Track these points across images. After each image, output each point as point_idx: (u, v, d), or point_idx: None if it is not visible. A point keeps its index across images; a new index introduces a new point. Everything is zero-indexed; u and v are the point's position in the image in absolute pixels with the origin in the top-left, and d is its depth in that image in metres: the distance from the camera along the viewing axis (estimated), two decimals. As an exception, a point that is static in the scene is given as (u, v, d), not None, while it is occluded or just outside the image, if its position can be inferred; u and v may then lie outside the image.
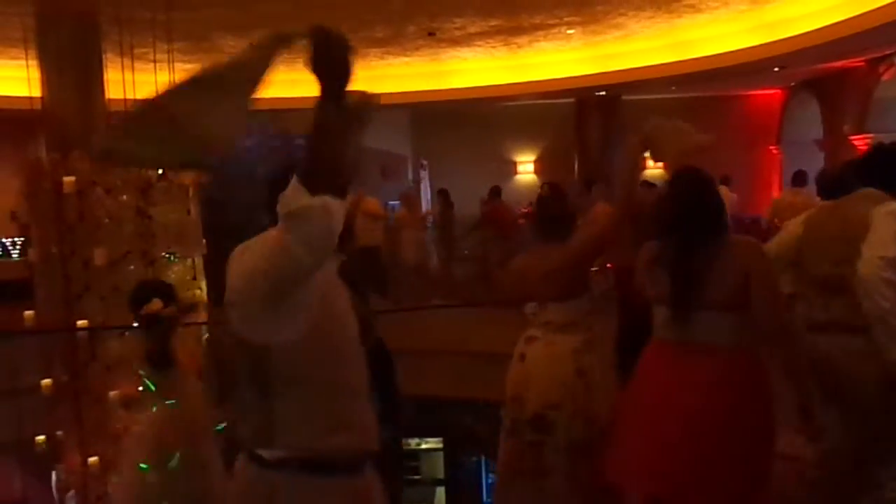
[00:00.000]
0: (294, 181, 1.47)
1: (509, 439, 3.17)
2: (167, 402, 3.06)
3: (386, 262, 9.66)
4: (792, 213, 3.91)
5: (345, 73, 1.53)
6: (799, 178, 7.60)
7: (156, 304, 3.01)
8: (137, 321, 3.07)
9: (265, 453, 1.75)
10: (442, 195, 11.37)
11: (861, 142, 10.91)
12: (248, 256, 1.59)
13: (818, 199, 4.11)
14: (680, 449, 2.48)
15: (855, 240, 2.51)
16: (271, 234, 1.54)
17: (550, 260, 3.09)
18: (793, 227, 2.98)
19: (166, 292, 3.15)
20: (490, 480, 11.56)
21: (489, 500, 11.28)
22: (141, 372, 3.09)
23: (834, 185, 3.38)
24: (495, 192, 10.80)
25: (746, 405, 2.49)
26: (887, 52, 10.20)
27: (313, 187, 1.45)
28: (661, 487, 2.51)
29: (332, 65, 1.52)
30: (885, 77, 10.69)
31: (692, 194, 2.56)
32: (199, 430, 3.09)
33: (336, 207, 1.47)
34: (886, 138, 10.52)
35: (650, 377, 2.64)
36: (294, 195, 1.46)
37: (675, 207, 2.57)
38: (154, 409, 3.07)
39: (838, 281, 2.61)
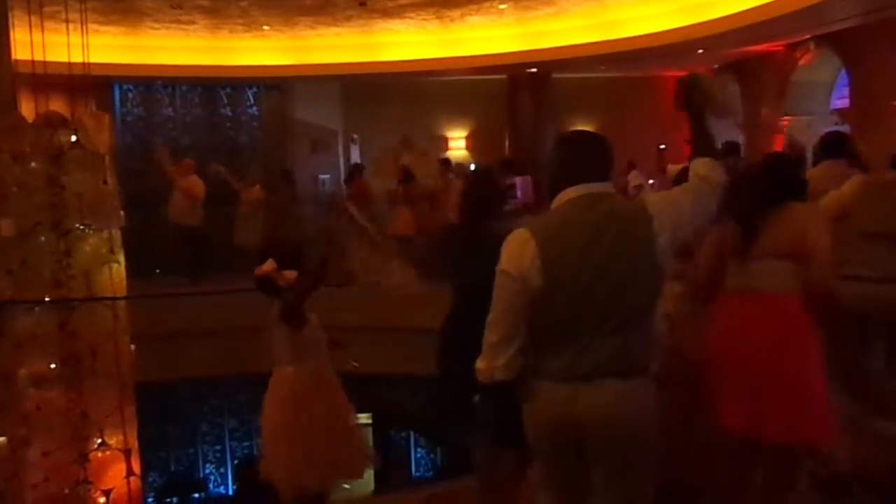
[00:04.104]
0: (706, 160, 2.32)
1: None
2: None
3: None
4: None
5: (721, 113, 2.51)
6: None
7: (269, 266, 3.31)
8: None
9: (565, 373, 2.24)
10: (282, 175, 11.22)
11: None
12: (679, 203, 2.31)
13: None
14: (748, 385, 2.86)
15: None
16: (688, 193, 2.30)
17: None
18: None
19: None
20: (419, 455, 11.67)
21: (417, 474, 11.40)
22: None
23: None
24: (357, 169, 10.75)
25: (797, 341, 2.85)
26: (804, 38, 10.60)
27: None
28: (743, 422, 2.86)
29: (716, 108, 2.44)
30: (801, 62, 11.12)
31: (772, 169, 3.09)
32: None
33: None
34: (802, 120, 10.94)
35: (721, 323, 3.05)
36: (715, 168, 2.31)
37: (758, 176, 3.08)
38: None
39: None
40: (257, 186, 10.62)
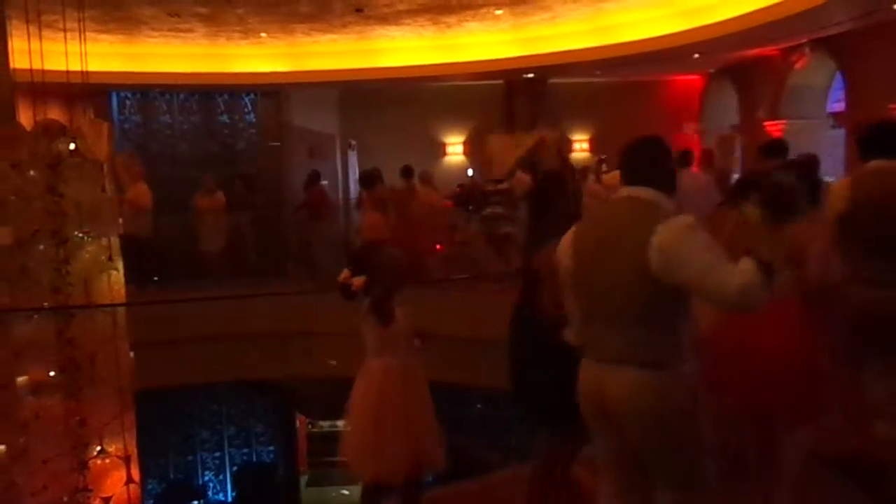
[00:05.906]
0: (758, 276, 2.15)
1: None
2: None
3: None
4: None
5: None
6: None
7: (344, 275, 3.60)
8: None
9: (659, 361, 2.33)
10: (241, 179, 11.13)
11: (774, 127, 11.37)
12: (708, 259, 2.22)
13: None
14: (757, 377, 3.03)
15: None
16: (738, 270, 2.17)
17: None
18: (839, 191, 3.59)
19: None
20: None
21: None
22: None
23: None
24: (315, 176, 10.71)
25: (798, 341, 3.01)
26: (800, 42, 10.63)
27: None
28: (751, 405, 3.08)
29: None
30: (797, 66, 11.14)
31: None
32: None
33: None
34: (798, 124, 10.88)
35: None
36: (762, 287, 2.16)
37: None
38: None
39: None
40: (219, 193, 10.54)
